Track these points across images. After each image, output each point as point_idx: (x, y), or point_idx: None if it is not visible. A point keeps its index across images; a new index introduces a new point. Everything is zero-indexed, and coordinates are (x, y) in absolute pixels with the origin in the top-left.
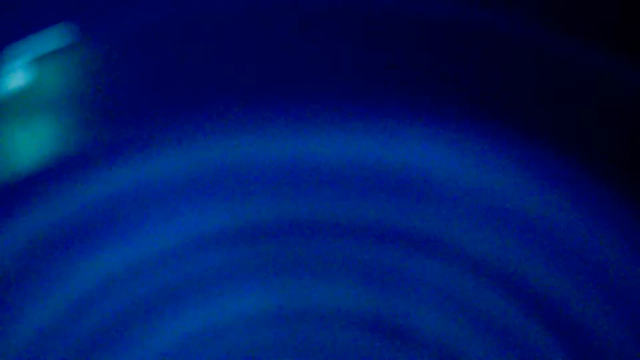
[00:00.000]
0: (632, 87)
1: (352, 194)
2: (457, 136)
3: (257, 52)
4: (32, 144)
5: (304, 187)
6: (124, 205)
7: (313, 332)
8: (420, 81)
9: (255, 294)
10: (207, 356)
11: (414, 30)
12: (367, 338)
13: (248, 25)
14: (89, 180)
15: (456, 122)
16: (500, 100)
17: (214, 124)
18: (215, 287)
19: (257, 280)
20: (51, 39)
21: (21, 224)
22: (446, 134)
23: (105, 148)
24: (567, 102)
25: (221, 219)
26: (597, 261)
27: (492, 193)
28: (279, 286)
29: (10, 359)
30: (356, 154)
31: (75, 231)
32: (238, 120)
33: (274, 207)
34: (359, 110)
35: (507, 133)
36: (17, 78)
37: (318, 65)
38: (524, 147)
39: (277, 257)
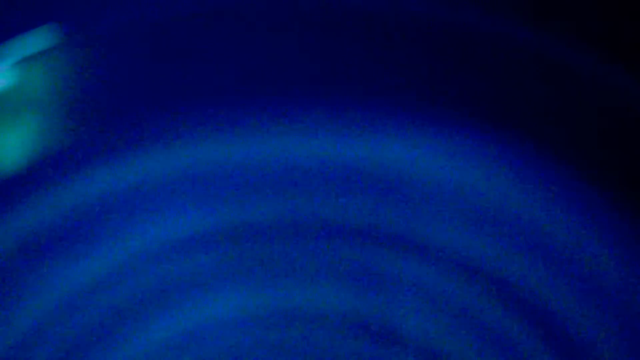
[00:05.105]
0: (627, 93)
1: (338, 196)
2: (444, 138)
3: (246, 52)
4: (19, 144)
5: (290, 189)
6: (111, 206)
7: (299, 333)
8: (408, 83)
9: (241, 296)
10: (192, 357)
11: (404, 31)
12: (353, 339)
13: (240, 24)
14: (76, 180)
15: (443, 124)
16: (489, 102)
17: (201, 125)
18: (201, 288)
19: (243, 282)
20: (39, 39)
21: (6, 224)
22: (432, 136)
23: (92, 149)
24: (558, 105)
25: (207, 220)
26: (584, 262)
27: (478, 195)
28: (264, 288)
29: None
30: (342, 155)
31: (60, 232)
32: (224, 121)
33: (259, 209)
34: (347, 112)
35: (495, 135)
36: (3, 79)
37: (309, 66)
38: (512, 149)
39: (262, 259)
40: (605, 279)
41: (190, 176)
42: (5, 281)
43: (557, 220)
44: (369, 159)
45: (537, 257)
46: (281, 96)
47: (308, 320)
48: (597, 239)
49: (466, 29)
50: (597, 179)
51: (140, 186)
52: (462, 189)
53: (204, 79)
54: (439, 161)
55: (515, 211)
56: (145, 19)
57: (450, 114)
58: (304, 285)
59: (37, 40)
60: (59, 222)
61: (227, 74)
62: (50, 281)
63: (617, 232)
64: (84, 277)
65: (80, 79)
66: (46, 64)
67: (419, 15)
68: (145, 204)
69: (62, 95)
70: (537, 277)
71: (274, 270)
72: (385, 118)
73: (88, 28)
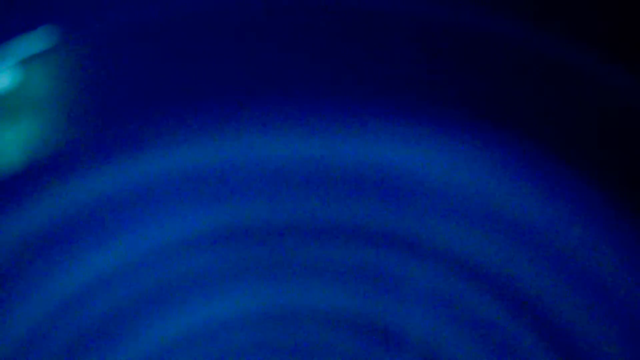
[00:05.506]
0: (627, 93)
1: (338, 196)
2: (444, 138)
3: (246, 52)
4: (18, 144)
5: (290, 190)
6: (110, 206)
7: (300, 334)
8: (408, 83)
9: (242, 297)
10: (192, 357)
11: (404, 31)
12: (355, 340)
13: (240, 24)
14: (75, 181)
15: (443, 124)
16: (489, 102)
17: (201, 126)
18: (202, 289)
19: (244, 283)
20: (39, 39)
21: (6, 224)
22: (432, 136)
23: (91, 149)
24: (558, 105)
25: (208, 220)
26: (584, 262)
27: (477, 194)
28: (265, 289)
29: None
30: (341, 155)
31: (59, 232)
32: (224, 122)
33: (259, 209)
34: (346, 112)
35: (495, 135)
36: (3, 79)
37: (308, 66)
38: (512, 149)
39: (263, 260)
40: (605, 279)
41: (190, 176)
42: (5, 281)
43: (557, 220)
44: (368, 159)
45: (537, 256)
46: (280, 96)
47: (307, 319)
48: (597, 238)
49: (466, 29)
50: (597, 179)
51: (140, 186)
52: (462, 188)
53: (204, 79)
54: (438, 161)
55: (515, 211)
56: (145, 19)
57: (450, 114)
58: (303, 286)
59: (37, 40)
60: (58, 223)
61: (227, 74)
62: (49, 281)
63: (617, 232)
64: (83, 277)
65: (80, 79)
66: (46, 64)
67: (419, 15)
68: (145, 204)
69: (62, 95)
70: (538, 277)
71: (273, 270)
72: (385, 118)
73: (88, 28)
